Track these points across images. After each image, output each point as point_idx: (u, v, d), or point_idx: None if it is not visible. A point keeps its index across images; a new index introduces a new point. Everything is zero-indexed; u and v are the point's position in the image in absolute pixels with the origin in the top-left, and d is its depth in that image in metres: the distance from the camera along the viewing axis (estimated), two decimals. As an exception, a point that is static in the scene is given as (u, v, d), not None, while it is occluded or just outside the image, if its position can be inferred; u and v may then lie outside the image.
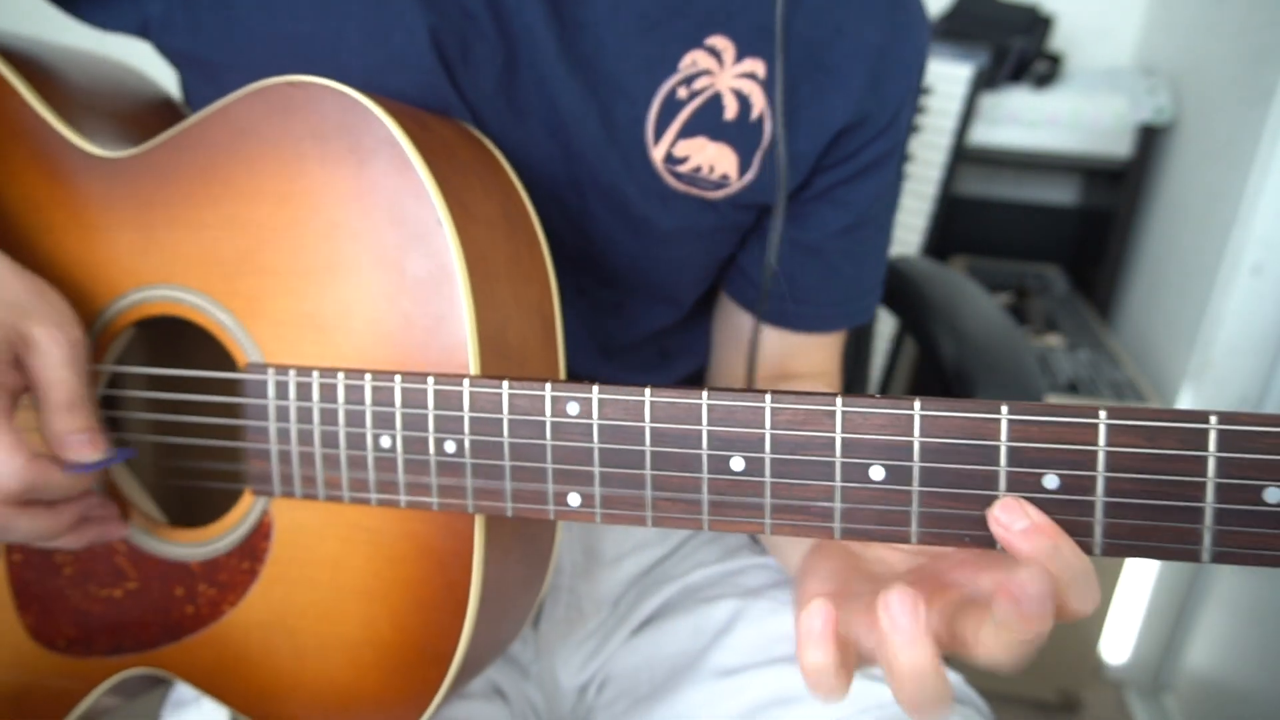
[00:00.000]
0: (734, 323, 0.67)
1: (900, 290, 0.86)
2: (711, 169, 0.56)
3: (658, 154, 0.55)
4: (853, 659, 0.36)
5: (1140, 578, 1.39)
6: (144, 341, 0.55)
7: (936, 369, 0.77)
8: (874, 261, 0.66)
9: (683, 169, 0.56)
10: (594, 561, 0.68)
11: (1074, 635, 1.40)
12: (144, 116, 0.59)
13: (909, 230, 1.43)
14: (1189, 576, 1.35)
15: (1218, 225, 1.25)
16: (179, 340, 0.56)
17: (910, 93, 0.61)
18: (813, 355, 0.67)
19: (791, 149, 0.57)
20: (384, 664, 0.47)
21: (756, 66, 0.55)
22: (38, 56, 0.55)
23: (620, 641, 0.66)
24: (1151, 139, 1.45)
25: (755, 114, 0.56)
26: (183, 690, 0.60)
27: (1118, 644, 1.44)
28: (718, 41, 0.54)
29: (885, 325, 1.32)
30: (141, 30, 0.54)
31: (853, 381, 0.95)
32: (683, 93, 0.54)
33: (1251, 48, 1.25)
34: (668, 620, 0.64)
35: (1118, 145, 1.45)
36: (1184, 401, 1.29)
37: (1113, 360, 1.37)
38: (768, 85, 0.55)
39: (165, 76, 0.64)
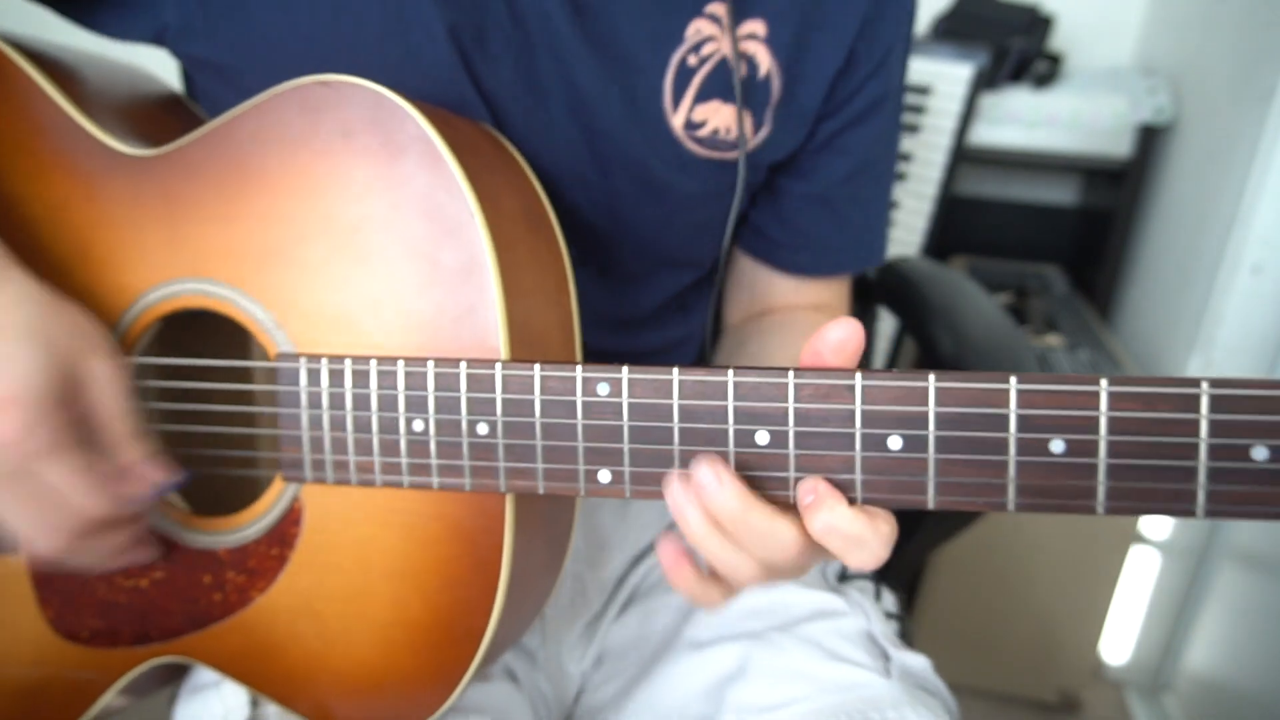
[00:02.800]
0: (747, 274, 0.70)
1: (900, 290, 0.86)
2: (729, 130, 0.58)
3: (677, 121, 0.57)
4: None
5: (1140, 578, 1.40)
6: (168, 335, 0.56)
7: (936, 369, 0.77)
8: (878, 207, 0.69)
9: (702, 133, 0.58)
10: (597, 547, 0.69)
11: (1074, 635, 1.40)
12: (159, 115, 0.60)
13: (909, 230, 1.43)
14: (1189, 576, 1.35)
15: (1218, 225, 1.25)
16: (201, 334, 0.57)
17: (902, 36, 0.63)
18: (819, 294, 0.70)
19: (797, 105, 0.60)
20: (415, 643, 0.48)
21: (756, 27, 0.57)
22: (59, 58, 0.56)
23: (611, 620, 0.67)
24: (1151, 139, 1.45)
25: (763, 72, 0.58)
26: (200, 676, 0.60)
27: (1118, 644, 1.45)
28: (716, 8, 0.56)
29: (885, 325, 1.32)
30: (157, 38, 0.55)
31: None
32: (692, 60, 0.56)
33: (1251, 48, 1.25)
34: (653, 598, 0.66)
35: (1118, 145, 1.45)
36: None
37: (1113, 360, 1.37)
38: (770, 42, 0.57)
39: (168, 74, 0.64)
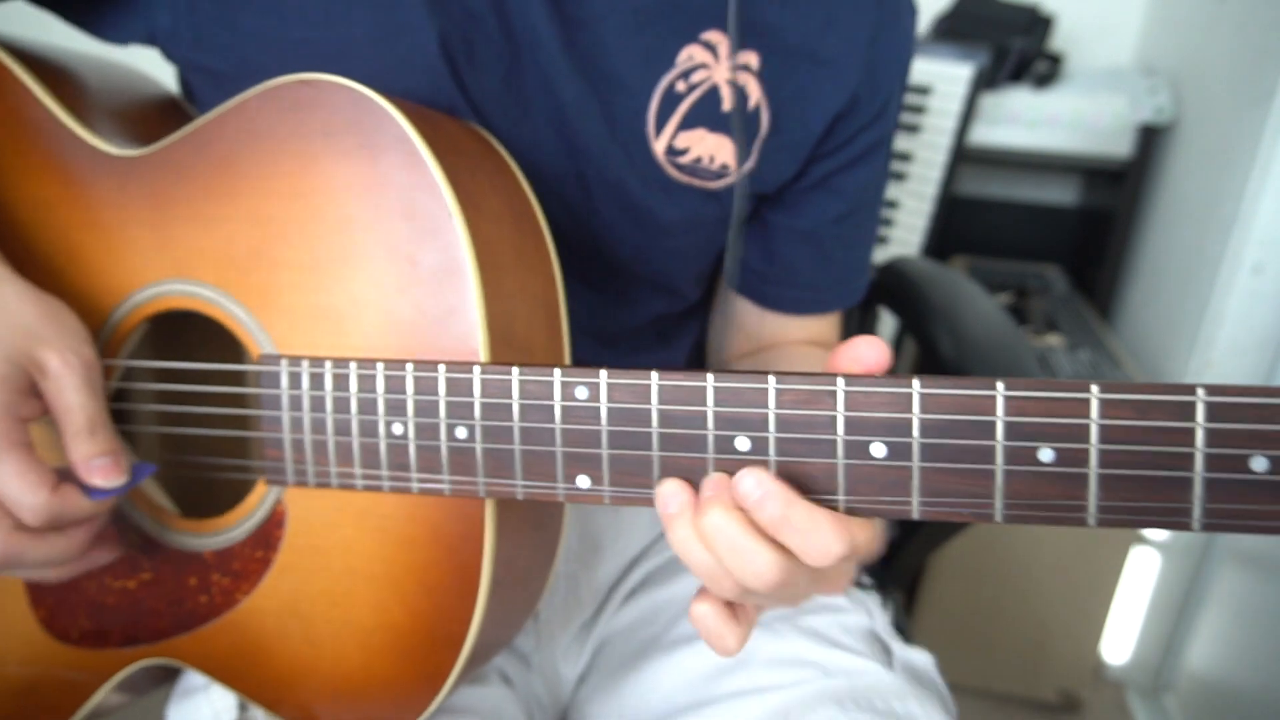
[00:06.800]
0: (731, 308, 0.70)
1: (900, 290, 0.86)
2: (712, 159, 0.58)
3: (659, 146, 0.57)
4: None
5: (1140, 578, 1.39)
6: (154, 336, 0.56)
7: (936, 369, 0.77)
8: (865, 246, 0.69)
9: (684, 160, 0.57)
10: (591, 548, 0.69)
11: (1074, 635, 1.40)
12: (152, 116, 0.60)
13: (909, 230, 1.43)
14: (1189, 576, 1.35)
15: (1218, 225, 1.25)
16: (189, 335, 0.57)
17: (900, 79, 0.62)
18: (811, 331, 0.69)
19: (789, 138, 0.59)
20: (397, 648, 0.48)
21: (750, 58, 0.56)
22: (52, 59, 0.56)
23: (605, 623, 0.67)
24: (1151, 139, 1.45)
25: (752, 104, 0.57)
26: (190, 679, 0.60)
27: (1118, 644, 1.44)
28: (712, 36, 0.56)
29: (885, 326, 1.32)
30: (150, 39, 0.55)
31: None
32: (681, 86, 0.56)
33: (1251, 48, 1.25)
34: (646, 595, 0.66)
35: (1118, 145, 1.45)
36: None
37: (1113, 360, 1.37)
38: (762, 76, 0.57)
39: (166, 76, 0.64)
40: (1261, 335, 1.21)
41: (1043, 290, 1.61)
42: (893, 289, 0.87)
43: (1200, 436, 0.33)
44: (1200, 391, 0.33)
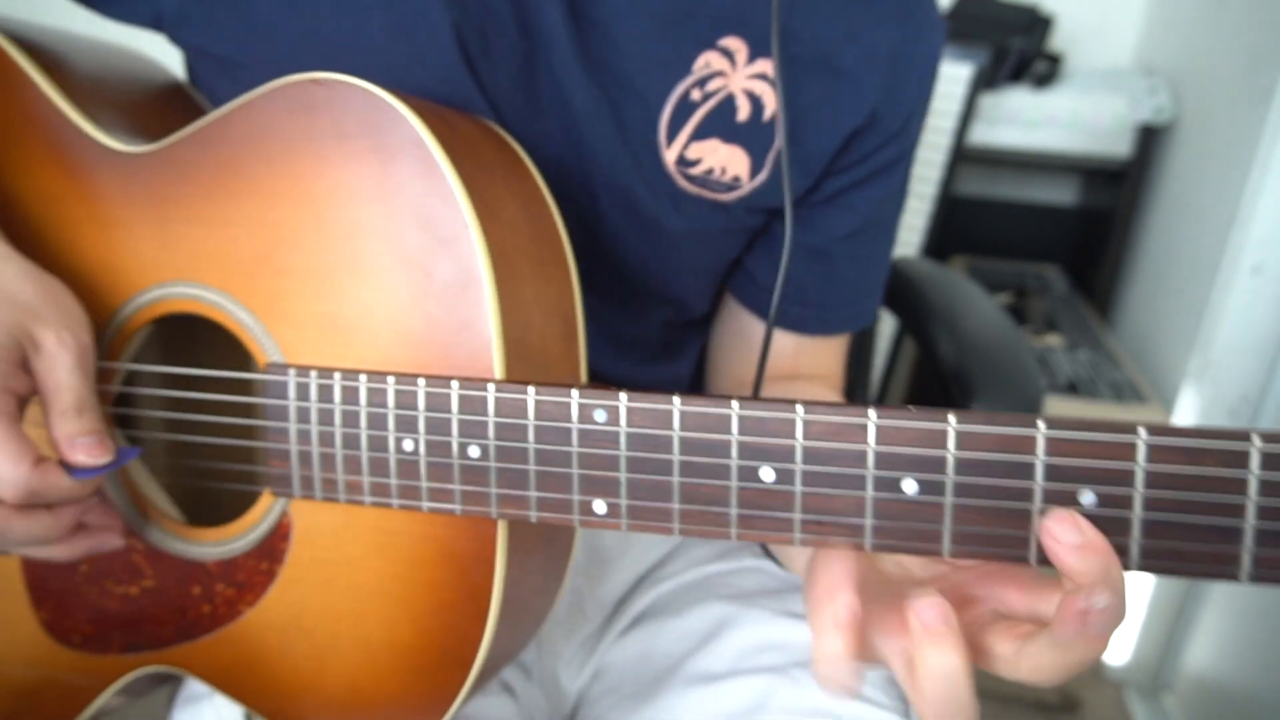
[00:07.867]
0: (736, 322, 0.67)
1: (900, 291, 0.86)
2: (724, 171, 0.56)
3: (670, 156, 0.55)
4: (866, 655, 0.36)
5: (1140, 578, 1.39)
6: (160, 339, 0.55)
7: (936, 370, 0.77)
8: (877, 265, 0.66)
9: (695, 171, 0.56)
10: (597, 561, 0.68)
11: (1074, 635, 1.40)
12: (158, 106, 0.59)
13: (909, 230, 1.43)
14: (1189, 576, 1.35)
15: (1218, 225, 1.25)
16: (195, 338, 0.56)
17: (922, 98, 0.60)
18: (815, 357, 0.67)
19: (803, 151, 0.57)
20: (403, 667, 0.47)
21: (768, 67, 0.55)
22: (53, 46, 0.55)
23: (613, 639, 0.66)
24: (1151, 139, 1.45)
25: (768, 115, 0.55)
26: (195, 685, 0.60)
27: (1118, 644, 1.44)
28: (731, 42, 0.54)
29: (885, 326, 1.32)
30: (155, 23, 0.54)
31: (853, 382, 0.95)
32: (696, 94, 0.54)
33: (1251, 48, 1.25)
34: (658, 621, 0.64)
35: (1118, 145, 1.45)
36: (1184, 401, 1.29)
37: (1113, 360, 1.37)
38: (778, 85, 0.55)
39: (175, 62, 0.63)
40: (1261, 335, 1.21)
41: (1042, 290, 1.61)
42: (892, 289, 0.87)
43: (1254, 486, 0.32)
44: (1256, 439, 0.31)
